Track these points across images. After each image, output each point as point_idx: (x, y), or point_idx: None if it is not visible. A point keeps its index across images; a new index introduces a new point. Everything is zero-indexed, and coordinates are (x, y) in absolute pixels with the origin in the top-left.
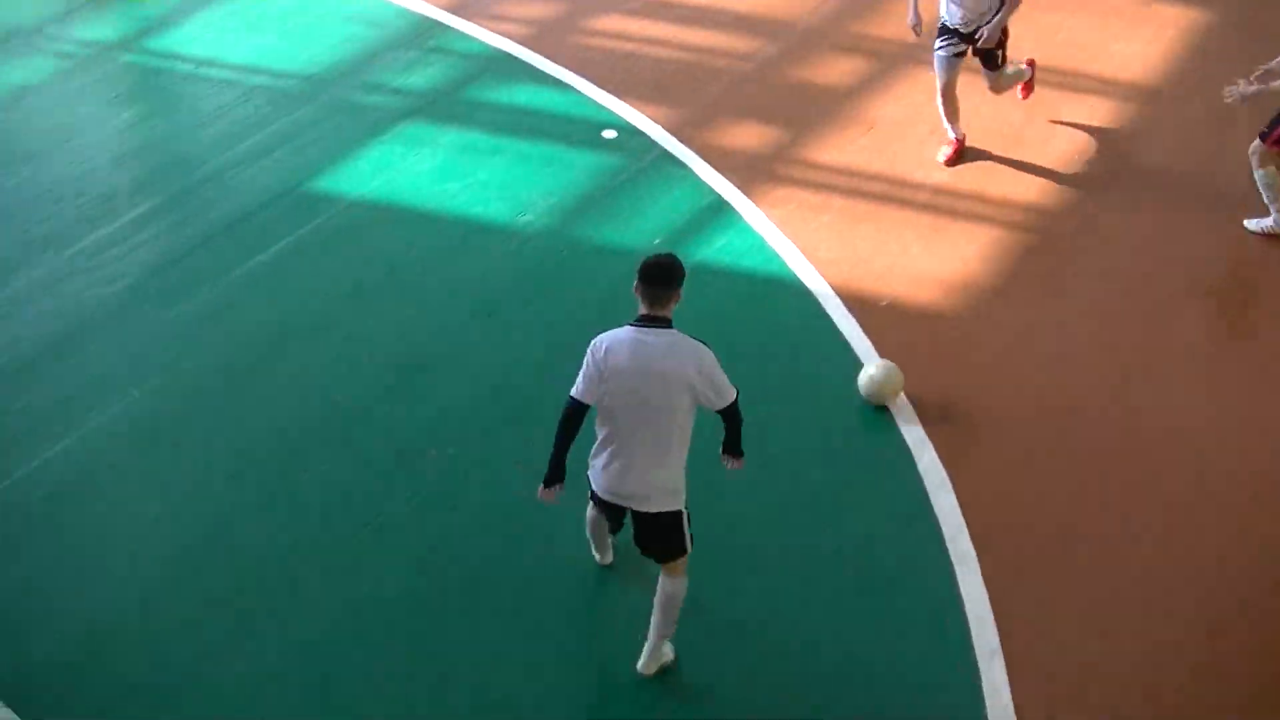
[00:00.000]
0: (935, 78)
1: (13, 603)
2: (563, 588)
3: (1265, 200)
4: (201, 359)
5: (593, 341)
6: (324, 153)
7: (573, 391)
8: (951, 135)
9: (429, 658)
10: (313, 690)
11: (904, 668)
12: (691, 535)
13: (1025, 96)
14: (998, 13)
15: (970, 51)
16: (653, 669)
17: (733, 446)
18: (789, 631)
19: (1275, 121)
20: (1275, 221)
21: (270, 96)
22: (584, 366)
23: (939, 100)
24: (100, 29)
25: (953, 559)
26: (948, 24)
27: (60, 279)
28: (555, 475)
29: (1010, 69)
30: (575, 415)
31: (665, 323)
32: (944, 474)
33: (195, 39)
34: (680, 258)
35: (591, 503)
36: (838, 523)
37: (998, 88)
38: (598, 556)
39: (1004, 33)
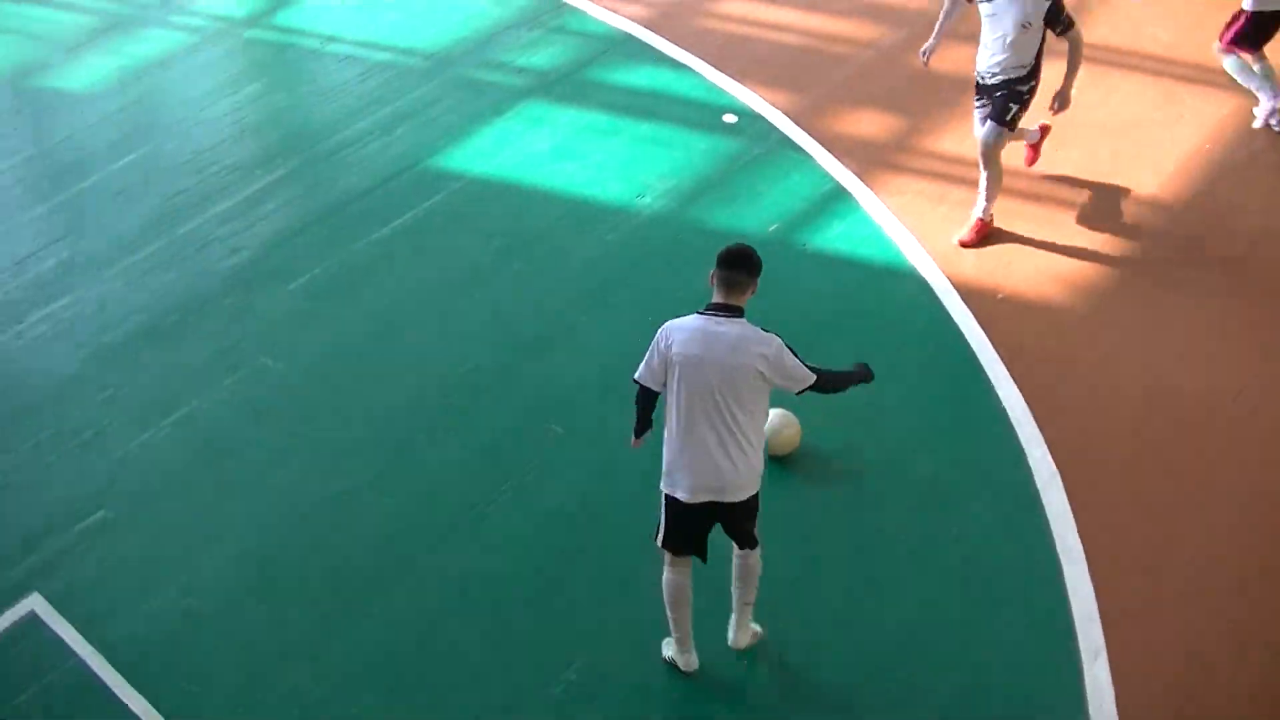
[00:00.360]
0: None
1: (133, 564)
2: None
3: (1245, 84)
4: (318, 333)
5: (662, 327)
6: (444, 130)
7: (635, 375)
8: (1025, 139)
9: (535, 637)
10: (416, 667)
11: (1006, 663)
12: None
13: (1031, 162)
14: (1027, 66)
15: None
16: (744, 642)
17: (863, 379)
18: (892, 621)
19: (1231, 22)
20: (1270, 104)
21: (393, 73)
22: (648, 351)
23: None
24: (228, 4)
25: (1060, 555)
26: (977, 78)
27: (186, 250)
28: (643, 427)
29: (1013, 135)
30: (644, 396)
31: (737, 312)
32: (1054, 469)
33: (320, 15)
34: (797, 244)
35: (669, 562)
36: (946, 515)
37: (988, 150)
38: (680, 658)
39: (1031, 94)
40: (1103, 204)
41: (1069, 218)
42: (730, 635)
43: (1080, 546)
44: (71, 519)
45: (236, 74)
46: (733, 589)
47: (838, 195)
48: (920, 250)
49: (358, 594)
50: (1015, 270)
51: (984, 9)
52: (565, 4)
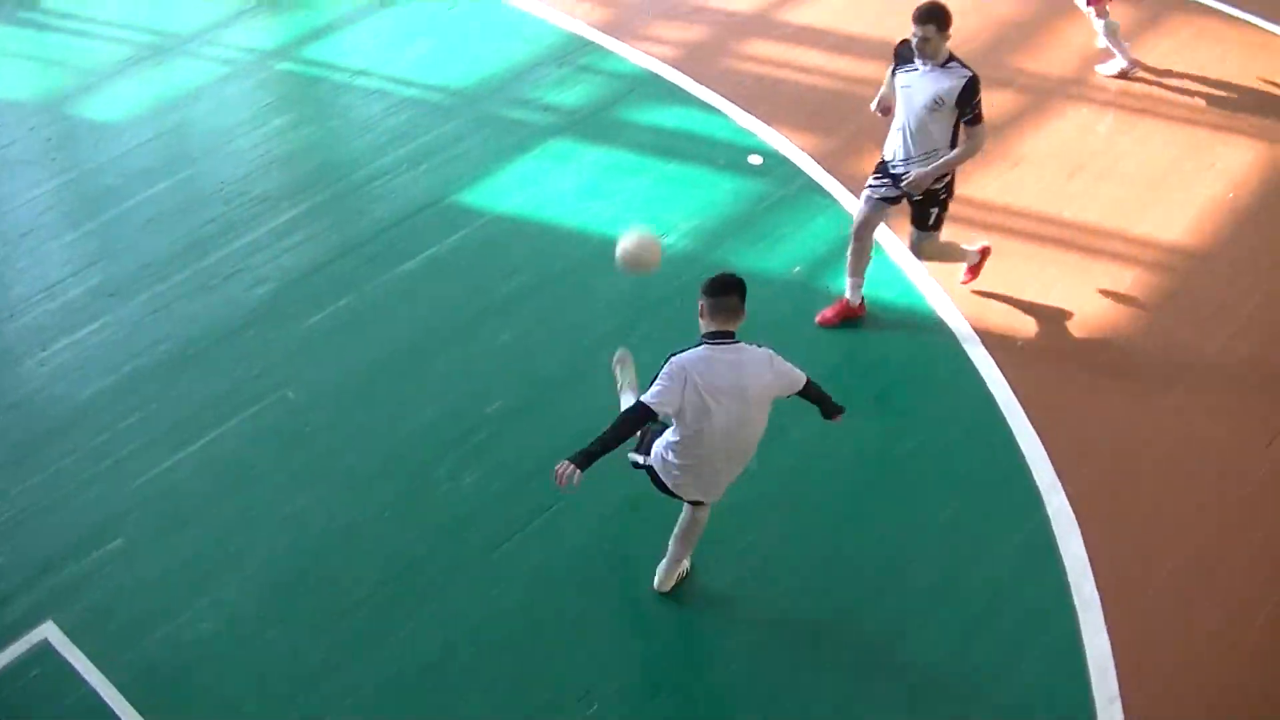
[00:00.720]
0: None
1: (149, 591)
2: (700, 605)
3: (1111, 47)
4: (341, 365)
5: (673, 360)
6: (470, 166)
7: (648, 400)
8: (846, 293)
9: (554, 672)
10: (432, 697)
11: (1020, 707)
12: None
13: (968, 280)
14: (938, 159)
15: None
16: (670, 584)
17: (829, 409)
18: (907, 665)
19: None
20: (1124, 62)
21: (421, 108)
22: (666, 382)
23: (850, 240)
24: (259, 37)
25: (1077, 604)
26: (885, 160)
27: (213, 279)
28: (588, 465)
29: (941, 238)
30: (643, 418)
31: (733, 338)
32: (1073, 518)
33: (350, 49)
34: (821, 287)
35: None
36: (964, 560)
37: (919, 252)
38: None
39: (948, 192)
40: (1128, 251)
41: (1093, 264)
42: (658, 579)
43: (1097, 595)
44: (89, 546)
45: (266, 106)
46: (674, 540)
47: None
48: (943, 295)
49: (373, 624)
50: (1037, 316)
51: (899, 81)
52: (593, 43)
